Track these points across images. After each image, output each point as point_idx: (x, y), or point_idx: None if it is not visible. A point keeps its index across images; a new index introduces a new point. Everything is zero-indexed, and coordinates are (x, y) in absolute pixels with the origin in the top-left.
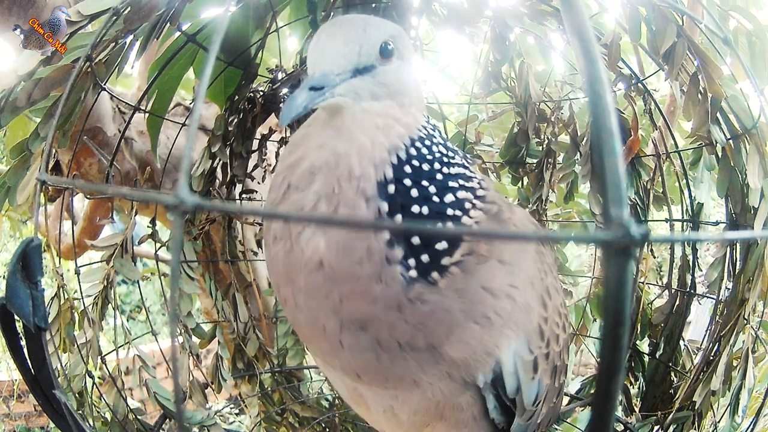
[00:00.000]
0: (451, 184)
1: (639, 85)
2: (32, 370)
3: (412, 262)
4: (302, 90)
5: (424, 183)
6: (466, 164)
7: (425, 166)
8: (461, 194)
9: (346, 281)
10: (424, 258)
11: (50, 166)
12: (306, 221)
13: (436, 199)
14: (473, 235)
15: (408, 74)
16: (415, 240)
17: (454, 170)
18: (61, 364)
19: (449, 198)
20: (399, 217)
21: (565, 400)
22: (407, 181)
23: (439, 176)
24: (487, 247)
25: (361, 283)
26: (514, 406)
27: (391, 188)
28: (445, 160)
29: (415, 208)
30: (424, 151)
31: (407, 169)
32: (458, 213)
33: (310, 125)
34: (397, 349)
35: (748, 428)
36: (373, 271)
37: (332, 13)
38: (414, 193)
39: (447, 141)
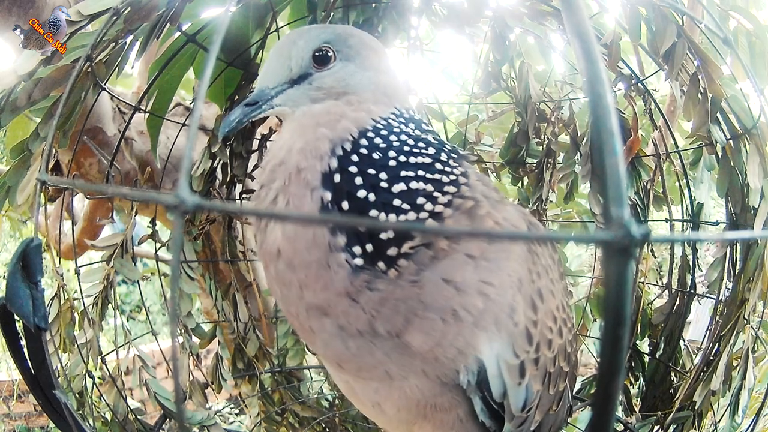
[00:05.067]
0: (404, 173)
1: (639, 85)
2: (32, 370)
3: (357, 249)
4: (239, 106)
5: (371, 171)
6: (441, 158)
7: (375, 155)
8: (415, 185)
9: (301, 268)
10: (368, 247)
11: (50, 166)
12: (279, 219)
13: (384, 185)
14: (440, 233)
15: (355, 74)
16: (359, 228)
17: (416, 159)
18: (61, 364)
19: (399, 187)
20: (345, 204)
21: None
22: (353, 169)
23: (392, 163)
24: (448, 242)
25: (312, 270)
26: (502, 410)
27: (337, 177)
28: (406, 149)
29: (361, 193)
30: (377, 140)
31: (354, 158)
32: (406, 206)
33: (280, 133)
34: (359, 336)
35: (748, 428)
36: (320, 257)
37: (332, 14)
38: (358, 180)
39: (427, 134)
